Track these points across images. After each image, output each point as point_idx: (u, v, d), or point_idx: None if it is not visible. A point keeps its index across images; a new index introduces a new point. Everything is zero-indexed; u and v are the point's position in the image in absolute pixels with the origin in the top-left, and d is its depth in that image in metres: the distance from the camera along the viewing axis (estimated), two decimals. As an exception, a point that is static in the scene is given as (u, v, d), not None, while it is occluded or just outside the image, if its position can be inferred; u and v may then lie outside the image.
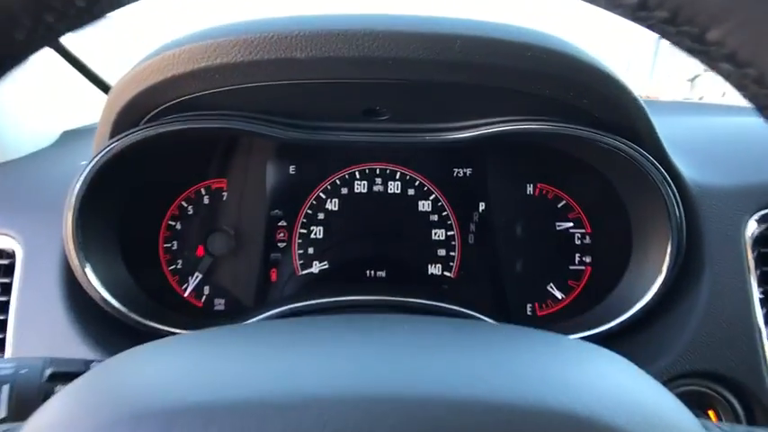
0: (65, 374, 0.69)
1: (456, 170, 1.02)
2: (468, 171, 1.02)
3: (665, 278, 0.86)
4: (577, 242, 1.02)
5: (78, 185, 0.85)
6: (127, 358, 0.49)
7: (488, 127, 0.89)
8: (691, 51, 0.35)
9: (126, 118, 0.86)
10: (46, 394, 0.68)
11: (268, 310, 0.95)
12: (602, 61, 0.79)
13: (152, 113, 0.88)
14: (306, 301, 0.96)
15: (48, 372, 0.69)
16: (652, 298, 0.87)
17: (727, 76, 0.35)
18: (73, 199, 0.85)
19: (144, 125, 0.88)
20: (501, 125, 0.88)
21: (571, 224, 1.02)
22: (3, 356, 0.92)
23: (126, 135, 0.86)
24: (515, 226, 1.02)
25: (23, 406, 0.67)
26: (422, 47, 0.74)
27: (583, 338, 0.92)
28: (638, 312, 0.88)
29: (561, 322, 1.01)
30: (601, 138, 0.85)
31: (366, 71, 0.78)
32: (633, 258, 0.95)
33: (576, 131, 0.85)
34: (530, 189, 1.03)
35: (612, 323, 0.90)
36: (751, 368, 0.83)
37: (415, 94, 0.85)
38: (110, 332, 0.91)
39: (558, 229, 1.02)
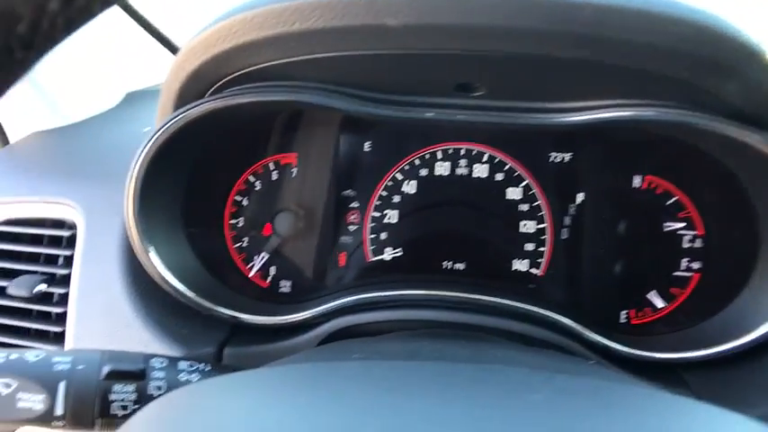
0: (123, 373, 0.64)
1: (553, 155, 0.91)
2: (568, 156, 0.90)
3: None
4: (686, 245, 0.89)
5: (139, 162, 0.78)
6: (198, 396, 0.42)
7: (602, 111, 0.76)
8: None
9: (191, 88, 0.79)
10: (103, 393, 0.63)
11: (335, 298, 0.88)
12: (757, 39, 0.65)
13: (219, 83, 0.80)
14: (376, 291, 0.88)
15: (105, 369, 0.64)
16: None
17: None
18: (134, 178, 0.79)
19: (210, 96, 0.80)
20: (617, 110, 0.76)
21: (681, 225, 0.89)
22: (63, 329, 0.89)
23: (191, 108, 0.78)
24: (616, 222, 0.90)
25: (80, 404, 0.62)
26: (540, 15, 0.62)
27: (685, 359, 0.81)
28: (758, 338, 0.77)
29: (659, 335, 0.90)
30: (743, 132, 0.71)
31: (468, 42, 0.67)
32: (757, 272, 0.82)
33: (711, 124, 0.72)
34: (636, 181, 0.90)
35: (726, 345, 0.79)
36: None
37: (520, 68, 0.73)
38: (170, 313, 0.86)
39: (667, 229, 0.89)
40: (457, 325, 0.86)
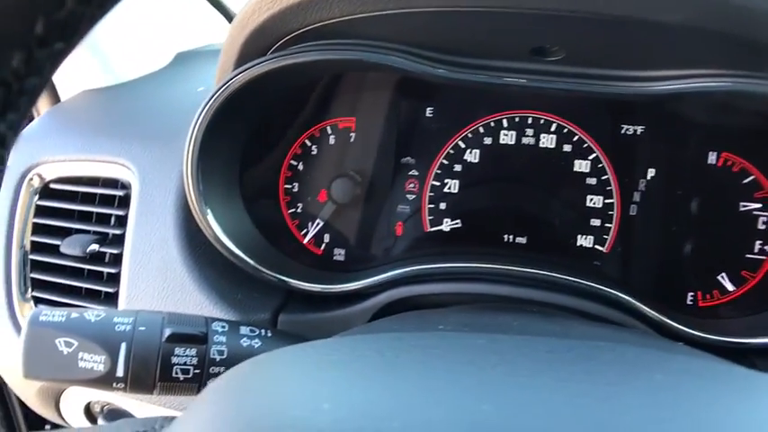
0: (185, 336, 0.63)
1: (625, 127, 0.86)
2: (640, 129, 0.86)
3: None
4: (762, 227, 0.85)
5: (199, 122, 0.76)
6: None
7: (693, 81, 0.72)
8: None
9: (254, 45, 0.76)
10: (165, 356, 0.62)
11: (390, 269, 0.86)
12: None
13: (282, 41, 0.77)
14: (433, 263, 0.86)
15: (167, 332, 0.62)
16: None
17: None
18: (193, 139, 0.77)
19: (274, 54, 0.77)
20: (710, 80, 0.71)
21: (757, 205, 0.85)
22: (116, 289, 0.88)
23: (254, 65, 0.75)
24: (689, 200, 0.86)
25: (141, 366, 0.61)
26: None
27: (756, 345, 0.78)
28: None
29: (726, 319, 0.86)
30: None
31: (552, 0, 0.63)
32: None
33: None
34: (712, 158, 0.85)
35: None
36: None
37: (604, 31, 0.69)
38: (225, 278, 0.85)
39: (742, 209, 0.85)
40: (516, 300, 0.83)
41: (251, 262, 0.82)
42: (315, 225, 0.92)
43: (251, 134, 0.88)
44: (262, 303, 0.84)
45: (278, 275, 0.84)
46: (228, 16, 1.35)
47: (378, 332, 0.50)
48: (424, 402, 0.30)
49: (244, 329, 0.66)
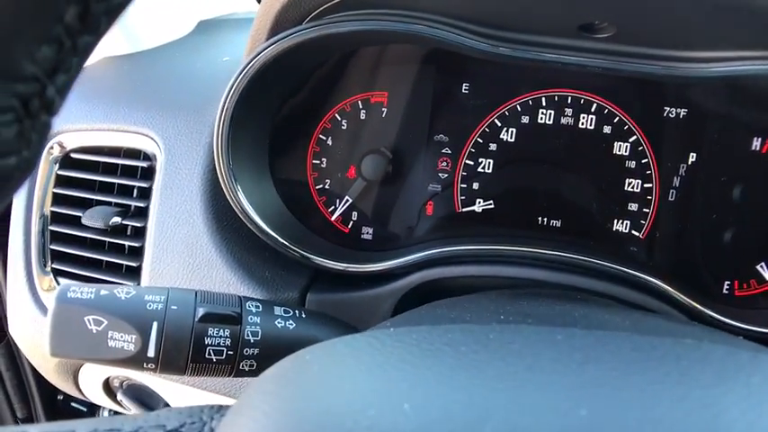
0: (219, 316, 0.61)
1: (667, 109, 0.83)
2: (683, 112, 0.83)
3: None
4: (805, 216, 0.83)
5: (231, 95, 0.73)
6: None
7: (746, 63, 0.69)
8: None
9: (289, 15, 0.73)
10: (198, 336, 0.60)
11: (420, 249, 0.83)
12: None
13: (318, 10, 0.74)
14: (464, 245, 0.84)
15: (201, 311, 0.60)
16: None
17: None
18: (225, 111, 0.74)
19: (309, 24, 0.73)
20: (763, 63, 0.68)
21: (800, 193, 0.82)
22: (139, 263, 0.86)
23: (289, 35, 0.72)
24: (730, 186, 0.83)
25: (173, 346, 0.59)
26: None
27: None
28: None
29: (761, 309, 0.84)
30: None
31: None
32: None
33: None
34: (756, 144, 0.82)
35: None
36: None
37: (657, 9, 0.66)
38: (253, 254, 0.82)
39: (786, 197, 0.82)
40: (551, 285, 0.81)
41: (279, 239, 0.80)
42: (343, 202, 0.89)
43: (281, 107, 0.85)
44: (290, 282, 0.82)
45: (305, 253, 0.82)
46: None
47: (436, 322, 0.48)
48: (515, 406, 0.28)
49: (278, 310, 0.64)
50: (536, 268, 0.82)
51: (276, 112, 0.84)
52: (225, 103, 0.74)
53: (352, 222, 0.90)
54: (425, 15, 0.72)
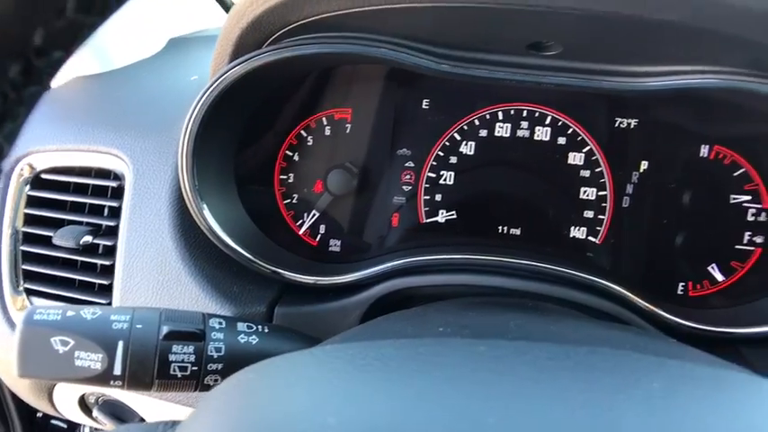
0: (182, 333, 0.63)
1: (618, 120, 0.87)
2: (634, 122, 0.86)
3: None
4: (750, 218, 0.86)
5: (194, 115, 0.75)
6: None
7: (688, 77, 0.72)
8: None
9: (250, 37, 0.75)
10: (163, 353, 0.62)
11: (386, 260, 0.86)
12: None
13: (279, 33, 0.76)
14: (428, 255, 0.86)
15: (165, 329, 0.62)
16: None
17: None
18: (188, 132, 0.76)
19: (270, 47, 0.76)
20: (704, 77, 0.72)
21: (747, 197, 0.86)
22: (111, 281, 0.88)
23: (249, 58, 0.74)
24: (681, 192, 0.87)
25: (139, 364, 0.61)
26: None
27: (744, 335, 0.79)
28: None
29: (715, 308, 0.88)
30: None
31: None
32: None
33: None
34: (704, 151, 0.86)
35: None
36: None
37: (600, 28, 0.69)
38: (221, 270, 0.84)
39: (732, 201, 0.86)
40: (510, 292, 0.84)
41: (247, 254, 0.82)
42: (310, 216, 0.92)
43: (246, 125, 0.87)
44: (258, 296, 0.84)
45: (273, 267, 0.84)
46: (224, 3, 1.34)
47: (377, 337, 0.50)
48: (430, 417, 0.30)
49: (241, 326, 0.66)
50: (497, 276, 0.85)
51: (241, 131, 0.87)
52: (187, 126, 0.76)
53: (319, 235, 0.93)
54: (382, 38, 0.75)
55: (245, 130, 0.87)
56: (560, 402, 0.32)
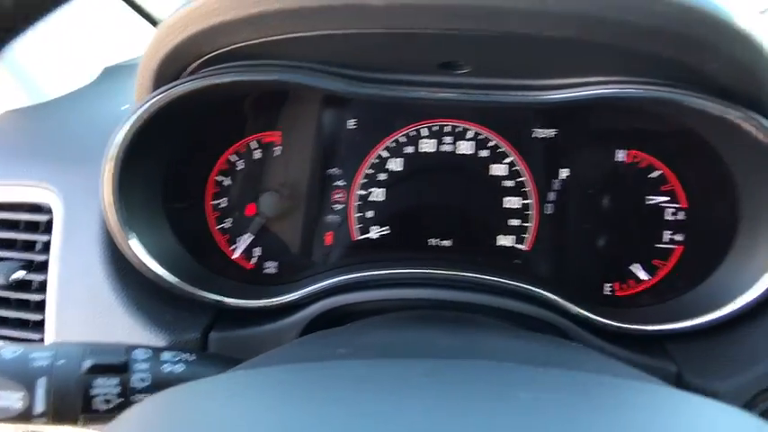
0: (105, 366, 0.63)
1: (537, 131, 0.90)
2: (552, 132, 0.90)
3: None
4: (669, 218, 0.90)
5: (115, 147, 0.76)
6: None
7: (586, 89, 0.76)
8: None
9: (169, 67, 0.76)
10: (85, 388, 0.62)
11: (321, 279, 0.88)
12: (742, 19, 0.64)
13: (199, 62, 0.77)
14: (362, 271, 0.88)
15: (87, 363, 0.63)
16: (759, 294, 0.77)
17: None
18: (110, 163, 0.77)
19: (188, 76, 0.77)
20: (603, 87, 0.75)
21: (664, 198, 0.89)
22: (43, 317, 0.87)
23: (168, 89, 0.76)
24: (601, 196, 0.90)
25: (62, 400, 0.61)
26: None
27: (667, 331, 0.83)
28: (738, 309, 0.78)
29: (643, 307, 0.91)
30: (724, 109, 0.71)
31: (451, 21, 0.66)
32: (737, 245, 0.83)
33: (693, 101, 0.72)
34: (620, 156, 0.90)
35: (705, 318, 0.80)
36: None
37: (504, 46, 0.72)
38: (154, 299, 0.85)
39: (649, 202, 0.89)
40: (444, 303, 0.86)
41: (177, 281, 0.83)
42: (244, 240, 0.93)
43: (174, 153, 0.88)
44: (192, 323, 0.84)
45: (206, 293, 0.85)
46: (156, 24, 1.34)
47: (284, 360, 0.52)
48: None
49: (166, 355, 0.67)
50: (430, 288, 0.87)
51: (169, 158, 0.87)
52: (109, 160, 0.77)
53: (255, 258, 0.94)
54: (296, 63, 0.77)
55: (173, 156, 0.88)
56: (423, 420, 0.34)
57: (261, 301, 0.87)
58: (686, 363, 0.80)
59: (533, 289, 0.86)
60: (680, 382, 0.79)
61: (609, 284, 0.92)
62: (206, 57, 0.76)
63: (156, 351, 0.67)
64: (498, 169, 0.91)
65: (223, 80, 0.76)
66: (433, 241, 0.93)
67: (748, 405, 0.75)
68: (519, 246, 0.92)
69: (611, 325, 0.84)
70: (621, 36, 0.66)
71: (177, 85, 0.76)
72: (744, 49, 0.65)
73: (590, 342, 0.84)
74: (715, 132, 0.81)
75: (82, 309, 0.84)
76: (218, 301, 0.85)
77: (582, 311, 0.85)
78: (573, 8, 0.62)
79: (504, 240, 0.92)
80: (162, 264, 0.83)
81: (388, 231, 0.93)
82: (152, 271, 0.81)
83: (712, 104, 0.71)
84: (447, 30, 0.67)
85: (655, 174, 0.90)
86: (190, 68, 0.79)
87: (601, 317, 0.85)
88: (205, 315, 0.86)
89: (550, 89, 0.78)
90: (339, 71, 0.78)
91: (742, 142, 0.75)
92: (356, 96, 0.79)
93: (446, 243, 0.93)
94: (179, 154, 0.88)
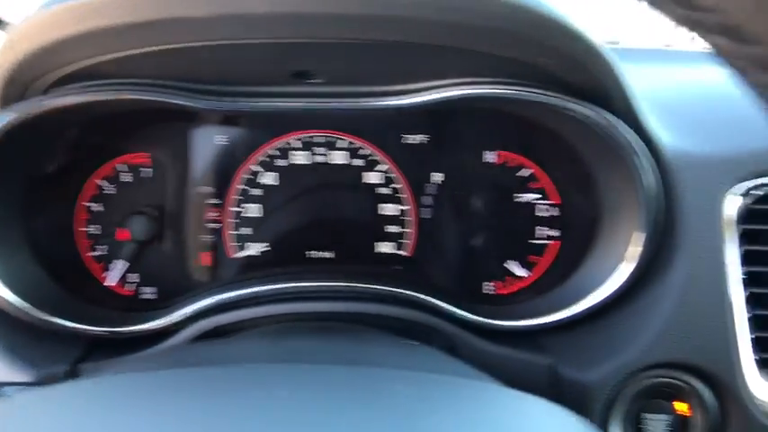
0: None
1: (408, 137, 0.91)
2: (423, 138, 0.91)
3: (637, 260, 0.77)
4: (543, 214, 0.92)
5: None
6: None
7: (439, 91, 0.77)
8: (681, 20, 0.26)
9: (11, 91, 0.74)
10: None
11: (199, 300, 0.85)
12: (572, 18, 0.66)
13: (51, 82, 0.75)
14: (242, 289, 0.86)
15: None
16: (621, 282, 0.79)
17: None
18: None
19: (35, 97, 0.75)
20: (453, 89, 0.77)
21: (535, 195, 0.92)
22: None
23: (10, 111, 0.73)
24: (475, 197, 0.92)
25: None
26: (357, 1, 0.61)
27: (537, 326, 0.84)
28: (605, 298, 0.80)
29: (520, 304, 0.92)
30: (565, 104, 0.73)
31: (278, 29, 0.66)
32: (602, 236, 0.86)
33: (537, 97, 0.74)
34: (491, 157, 0.92)
35: (571, 310, 0.82)
36: (724, 358, 0.75)
37: (349, 54, 0.73)
38: (17, 333, 0.81)
39: (521, 200, 0.91)
40: (325, 315, 0.86)
41: (42, 315, 0.80)
42: (118, 266, 0.90)
43: (34, 179, 0.85)
44: (61, 356, 0.81)
45: (74, 324, 0.81)
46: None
47: (126, 370, 0.51)
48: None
49: (9, 390, 0.64)
50: (309, 301, 0.86)
51: (27, 188, 0.84)
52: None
53: (132, 284, 0.91)
54: (145, 81, 0.76)
55: (35, 183, 0.85)
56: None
57: (136, 327, 0.84)
58: (558, 355, 0.81)
59: (413, 294, 0.86)
60: (553, 374, 0.80)
61: (489, 283, 0.93)
62: (56, 77, 0.74)
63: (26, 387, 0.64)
64: (373, 177, 0.91)
65: (67, 102, 0.74)
66: (313, 254, 0.92)
67: (618, 389, 0.77)
68: (400, 252, 0.92)
69: (488, 323, 0.85)
70: (461, 38, 0.67)
71: (17, 109, 0.73)
72: (576, 47, 0.67)
73: (470, 342, 0.84)
74: (572, 131, 0.83)
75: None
76: (86, 330, 0.82)
77: (459, 312, 0.85)
78: (400, 12, 0.63)
79: (384, 248, 0.92)
80: (25, 297, 0.79)
81: (268, 247, 0.92)
82: (12, 305, 0.78)
83: (550, 99, 0.74)
84: (281, 38, 0.67)
85: (525, 172, 0.92)
86: (43, 89, 0.76)
87: (478, 316, 0.86)
88: (76, 347, 0.82)
89: (403, 94, 0.79)
90: (186, 86, 0.77)
91: (596, 140, 0.78)
92: (204, 111, 0.78)
93: (327, 254, 0.92)
94: (40, 181, 0.85)
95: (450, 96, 0.76)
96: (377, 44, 0.69)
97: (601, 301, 0.80)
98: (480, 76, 0.77)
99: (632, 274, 0.78)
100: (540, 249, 0.92)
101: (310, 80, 0.78)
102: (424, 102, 0.77)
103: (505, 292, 0.93)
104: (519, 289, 0.94)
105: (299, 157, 0.91)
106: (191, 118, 0.89)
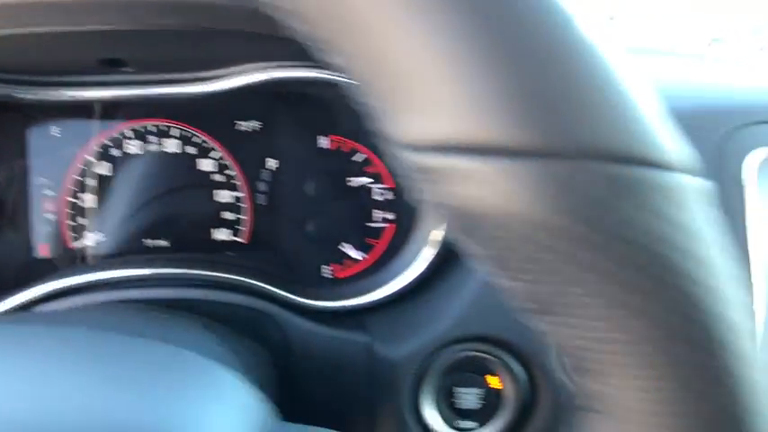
0: None
1: (241, 123, 0.92)
2: (256, 124, 0.92)
3: (440, 243, 0.80)
4: (378, 198, 0.94)
5: None
6: None
7: (240, 76, 0.79)
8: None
9: None
10: None
11: (34, 287, 0.85)
12: None
13: None
14: (76, 275, 0.87)
15: None
16: (427, 264, 0.81)
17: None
18: None
19: None
20: (256, 73, 0.78)
21: (368, 180, 0.93)
22: None
23: None
24: (310, 183, 0.93)
25: None
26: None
27: (362, 305, 0.86)
28: (414, 280, 0.83)
29: (351, 284, 0.94)
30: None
31: (80, 18, 0.67)
32: (422, 219, 0.88)
33: (330, 77, 0.76)
34: (324, 143, 0.93)
35: (385, 290, 0.85)
36: (529, 330, 0.77)
37: (156, 41, 0.74)
38: None
39: (354, 184, 0.93)
40: (156, 301, 0.86)
41: None
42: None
43: None
44: None
45: None
46: None
47: None
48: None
49: None
50: (144, 288, 0.87)
51: None
52: None
53: (-35, 279, 0.92)
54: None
55: None
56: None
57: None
58: (377, 333, 0.83)
59: (246, 280, 0.87)
60: (369, 352, 0.82)
61: (328, 267, 0.95)
62: None
63: None
64: (207, 164, 0.92)
65: None
66: (149, 242, 0.93)
67: (427, 364, 0.79)
68: (237, 239, 0.94)
69: (313, 305, 0.86)
70: (254, 24, 0.69)
71: None
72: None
73: (298, 325, 0.85)
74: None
75: None
76: None
77: (291, 296, 0.87)
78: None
79: (221, 234, 0.94)
80: None
81: (105, 237, 0.93)
82: None
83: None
84: (81, 27, 0.68)
85: (359, 157, 0.94)
86: None
87: (310, 300, 0.87)
88: None
89: (207, 80, 0.80)
90: (12, 78, 0.78)
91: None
92: (12, 101, 0.79)
93: (163, 243, 0.93)
94: None
95: (252, 82, 0.78)
96: (178, 31, 0.70)
97: (410, 283, 0.82)
98: (286, 60, 0.78)
99: (436, 256, 0.80)
100: (377, 232, 0.94)
101: (123, 68, 0.80)
102: (227, 89, 0.79)
103: (344, 275, 0.95)
104: (358, 271, 0.95)
105: (133, 147, 0.92)
106: (26, 110, 0.89)
